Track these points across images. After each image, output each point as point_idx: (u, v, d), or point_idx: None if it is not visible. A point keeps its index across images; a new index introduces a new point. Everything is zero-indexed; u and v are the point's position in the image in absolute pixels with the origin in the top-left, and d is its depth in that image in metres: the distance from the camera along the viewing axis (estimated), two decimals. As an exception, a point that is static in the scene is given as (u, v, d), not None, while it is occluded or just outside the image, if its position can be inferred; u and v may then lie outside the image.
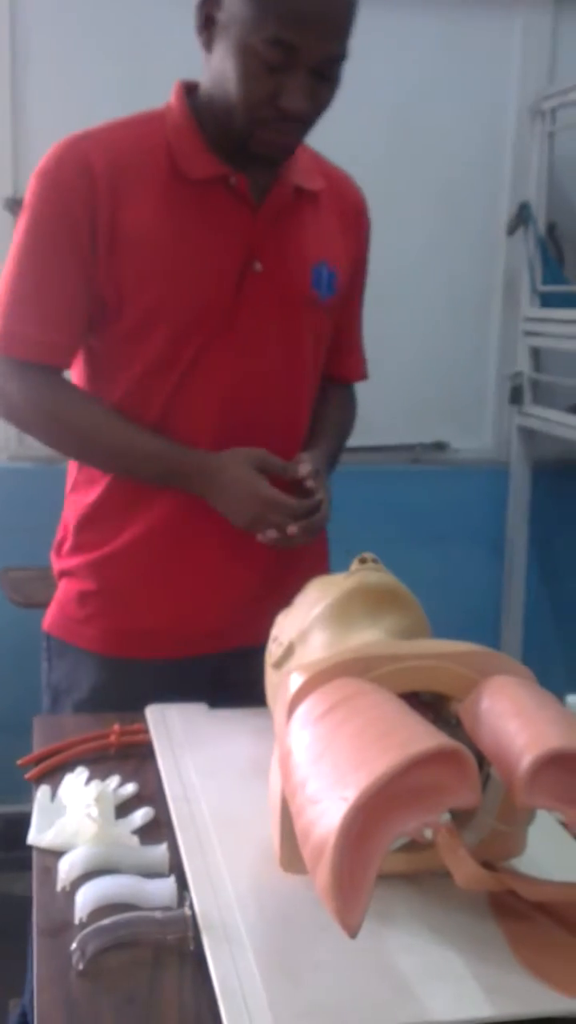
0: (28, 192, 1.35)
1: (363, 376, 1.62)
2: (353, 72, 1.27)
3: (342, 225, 1.48)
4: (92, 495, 1.42)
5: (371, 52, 2.56)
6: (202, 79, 1.34)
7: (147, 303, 1.33)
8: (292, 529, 1.31)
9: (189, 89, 1.37)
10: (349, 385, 1.61)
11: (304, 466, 1.36)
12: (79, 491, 1.45)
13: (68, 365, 1.41)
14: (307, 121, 1.29)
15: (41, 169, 1.34)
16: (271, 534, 1.32)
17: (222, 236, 1.35)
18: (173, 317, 1.34)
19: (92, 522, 1.43)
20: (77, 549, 1.45)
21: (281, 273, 1.38)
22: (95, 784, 1.07)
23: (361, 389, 1.62)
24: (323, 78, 1.25)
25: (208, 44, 1.29)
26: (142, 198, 1.32)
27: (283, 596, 1.16)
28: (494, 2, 2.66)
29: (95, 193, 1.30)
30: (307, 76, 1.23)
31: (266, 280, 1.36)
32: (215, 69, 1.29)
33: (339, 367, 1.55)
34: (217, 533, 1.37)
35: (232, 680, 1.37)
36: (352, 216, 1.50)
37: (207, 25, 1.28)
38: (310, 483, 1.35)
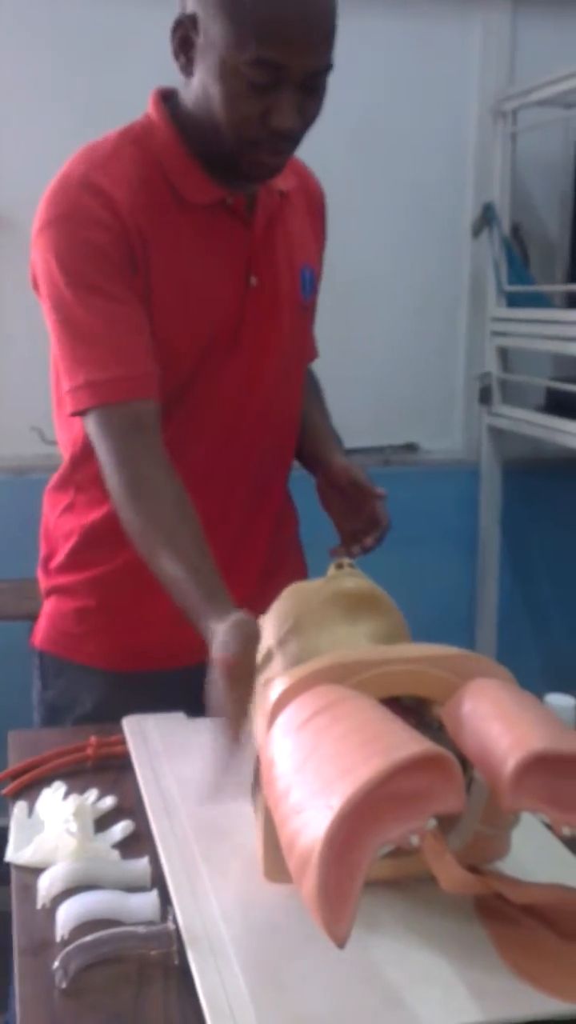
0: (44, 245, 1.26)
1: (316, 354, 1.60)
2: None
3: (312, 222, 1.47)
4: (95, 515, 1.38)
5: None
6: (184, 100, 1.29)
7: (162, 338, 1.28)
8: None
9: (166, 97, 1.32)
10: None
11: (377, 488, 1.38)
12: (77, 511, 1.41)
13: (158, 395, 1.27)
14: (298, 138, 1.25)
15: (58, 215, 1.25)
16: None
17: (226, 258, 1.32)
18: (186, 350, 1.30)
19: (95, 540, 1.39)
20: (75, 566, 1.42)
21: (274, 283, 1.36)
22: (73, 798, 1.06)
23: (331, 392, 1.62)
24: (310, 91, 1.20)
25: (187, 67, 1.24)
26: (157, 230, 1.27)
27: (266, 602, 1.14)
28: (453, 4, 2.67)
29: (126, 229, 1.24)
30: (295, 92, 1.18)
31: (262, 293, 1.34)
32: (197, 92, 1.24)
33: None
34: (212, 543, 1.35)
35: None
36: (317, 210, 1.49)
37: (184, 48, 1.23)
38: (380, 493, 1.38)
